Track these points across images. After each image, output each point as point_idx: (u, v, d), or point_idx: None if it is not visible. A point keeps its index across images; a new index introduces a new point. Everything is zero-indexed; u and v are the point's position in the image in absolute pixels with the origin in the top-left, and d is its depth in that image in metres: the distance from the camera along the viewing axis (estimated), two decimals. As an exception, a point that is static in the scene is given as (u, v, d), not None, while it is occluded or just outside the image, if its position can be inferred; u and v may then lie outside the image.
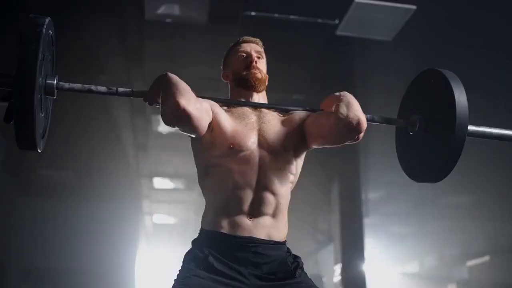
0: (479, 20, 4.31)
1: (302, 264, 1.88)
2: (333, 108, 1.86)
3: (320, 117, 1.92)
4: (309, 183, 4.67)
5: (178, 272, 1.82)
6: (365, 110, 1.86)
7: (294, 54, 4.71)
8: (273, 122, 1.95)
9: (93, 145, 7.18)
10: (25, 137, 1.69)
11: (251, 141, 1.88)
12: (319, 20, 3.90)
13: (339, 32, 4.45)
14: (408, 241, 11.40)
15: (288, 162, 1.91)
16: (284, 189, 1.89)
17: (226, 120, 1.91)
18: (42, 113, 1.78)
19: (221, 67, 2.12)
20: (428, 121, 2.00)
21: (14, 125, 1.67)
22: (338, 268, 7.02)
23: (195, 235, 1.90)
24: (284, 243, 1.89)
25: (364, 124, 1.82)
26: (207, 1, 4.03)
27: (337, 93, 1.90)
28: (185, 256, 1.86)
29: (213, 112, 1.89)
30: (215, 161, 1.88)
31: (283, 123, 1.97)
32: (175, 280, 1.79)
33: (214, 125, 1.89)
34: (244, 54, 2.05)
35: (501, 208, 8.07)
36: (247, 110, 1.98)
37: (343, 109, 1.82)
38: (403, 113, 2.12)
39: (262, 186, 1.85)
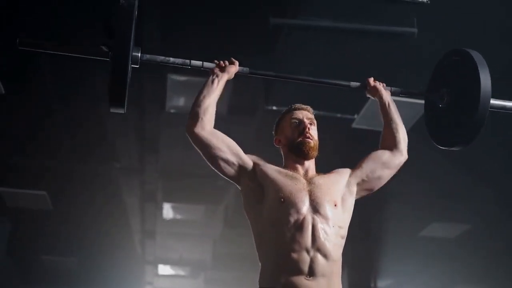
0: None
1: None
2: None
3: (375, 157, 2.20)
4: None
5: None
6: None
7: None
8: (321, 181, 2.07)
9: (99, 231, 7.10)
10: (118, 99, 2.02)
11: (304, 205, 1.97)
12: (339, 115, 4.00)
13: (355, 125, 4.51)
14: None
15: (340, 221, 2.01)
16: (338, 253, 1.97)
17: (275, 173, 2.05)
18: (128, 79, 2.07)
19: (273, 133, 2.26)
20: (455, 95, 2.25)
21: (109, 88, 1.98)
22: None
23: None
24: None
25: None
26: (228, 95, 4.10)
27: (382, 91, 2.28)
28: None
29: (257, 164, 2.08)
30: (267, 227, 1.97)
31: (330, 180, 2.09)
32: None
33: (259, 175, 2.05)
34: (297, 121, 2.17)
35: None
36: (296, 173, 2.10)
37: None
38: (432, 88, 2.36)
39: (317, 249, 1.92)
